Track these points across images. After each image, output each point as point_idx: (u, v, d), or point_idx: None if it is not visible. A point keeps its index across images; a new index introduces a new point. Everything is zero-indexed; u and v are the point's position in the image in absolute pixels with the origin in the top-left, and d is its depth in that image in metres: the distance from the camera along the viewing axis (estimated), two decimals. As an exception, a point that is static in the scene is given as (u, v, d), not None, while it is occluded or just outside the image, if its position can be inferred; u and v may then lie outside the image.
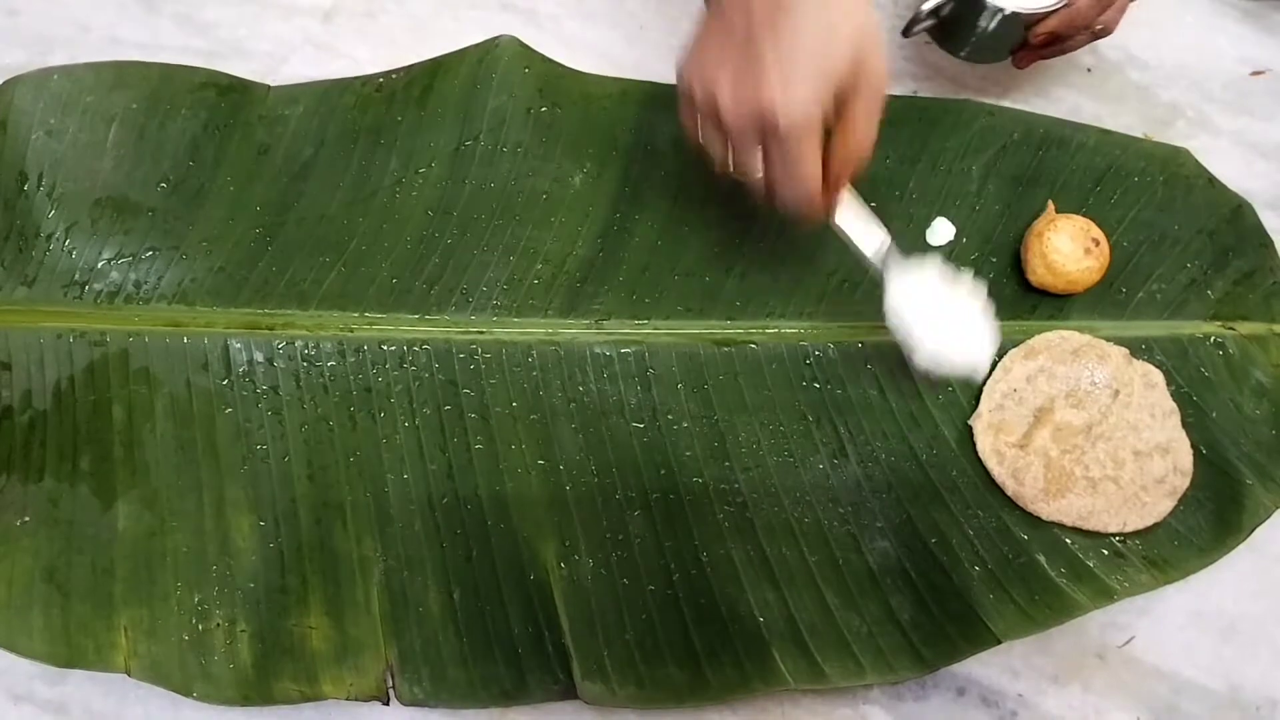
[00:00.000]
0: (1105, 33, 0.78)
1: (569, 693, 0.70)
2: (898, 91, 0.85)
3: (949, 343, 0.71)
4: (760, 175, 0.64)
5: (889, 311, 0.71)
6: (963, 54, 0.82)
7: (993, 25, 0.78)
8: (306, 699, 0.70)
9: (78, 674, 0.71)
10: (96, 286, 0.77)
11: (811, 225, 0.67)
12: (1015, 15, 0.75)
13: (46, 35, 0.86)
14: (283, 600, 0.71)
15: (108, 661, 0.69)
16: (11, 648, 0.70)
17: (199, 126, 0.80)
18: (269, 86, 0.82)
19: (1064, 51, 0.79)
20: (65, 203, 0.78)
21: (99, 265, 0.77)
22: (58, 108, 0.79)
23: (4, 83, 0.79)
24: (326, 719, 0.71)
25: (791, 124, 0.59)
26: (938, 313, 0.71)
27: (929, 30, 0.82)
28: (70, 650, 0.69)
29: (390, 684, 0.70)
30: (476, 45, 0.82)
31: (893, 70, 0.87)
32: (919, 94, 0.85)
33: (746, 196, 0.68)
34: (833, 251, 0.79)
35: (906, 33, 0.80)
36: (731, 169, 0.65)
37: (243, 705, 0.70)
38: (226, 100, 0.81)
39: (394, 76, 0.82)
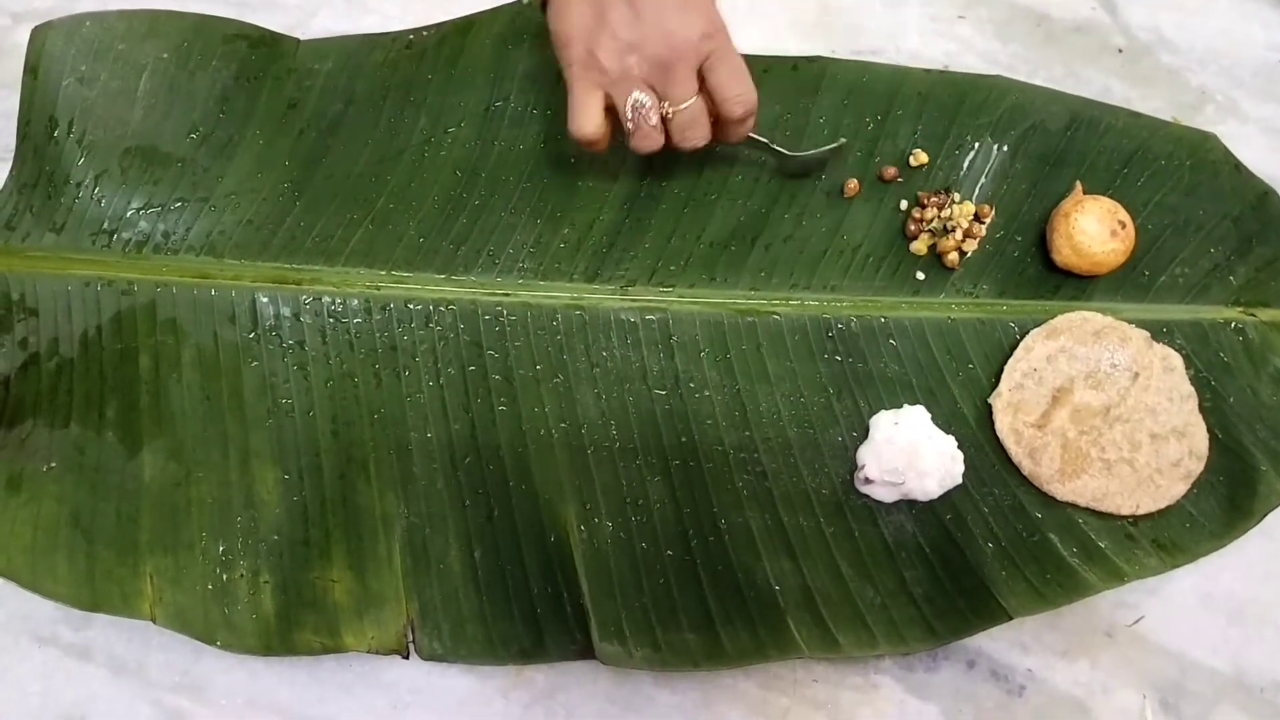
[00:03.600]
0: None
1: (586, 653, 0.70)
2: (927, 66, 0.84)
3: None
4: (691, 100, 0.70)
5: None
6: None
7: None
8: (327, 650, 0.70)
9: (101, 620, 0.72)
10: (125, 235, 0.77)
11: (744, 129, 0.74)
12: None
13: (76, -20, 0.86)
14: (305, 553, 0.72)
15: (133, 608, 0.70)
16: (35, 588, 0.71)
17: (230, 78, 0.80)
18: (299, 41, 0.82)
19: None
20: (95, 150, 0.78)
21: (128, 214, 0.78)
22: (89, 55, 0.79)
23: (35, 28, 0.78)
24: (347, 670, 0.72)
25: (721, 29, 0.70)
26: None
27: None
28: (95, 595, 0.70)
29: (410, 638, 0.71)
30: (509, 5, 0.82)
31: (926, 44, 0.87)
32: (950, 69, 0.84)
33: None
34: (858, 227, 0.80)
35: None
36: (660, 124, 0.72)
37: (264, 655, 0.71)
38: (257, 53, 0.81)
39: (425, 34, 0.82)
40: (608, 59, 0.69)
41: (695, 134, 0.72)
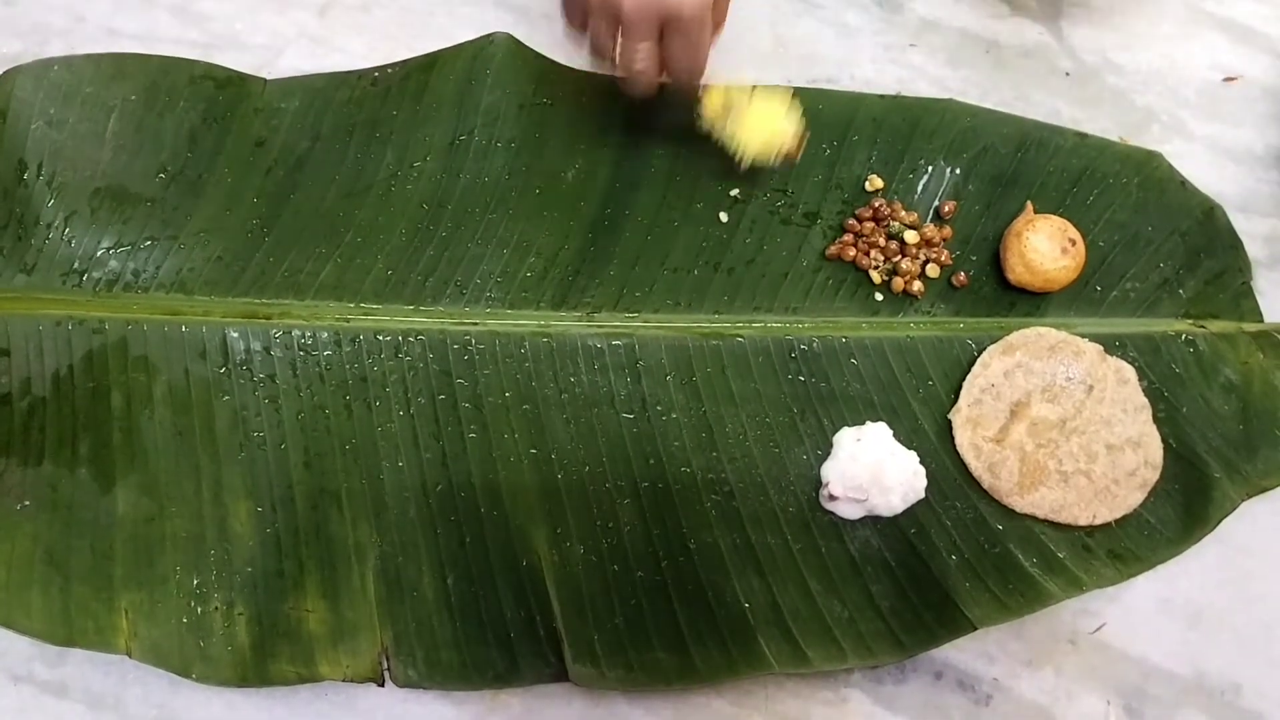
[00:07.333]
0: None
1: (560, 675, 0.71)
2: (880, 91, 0.86)
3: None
4: (644, 64, 0.73)
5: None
6: None
7: None
8: (303, 680, 0.71)
9: (76, 655, 0.72)
10: (95, 275, 0.78)
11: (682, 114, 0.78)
12: None
13: (43, 24, 0.87)
14: (280, 584, 0.73)
15: (109, 643, 0.70)
16: (10, 625, 0.71)
17: (197, 118, 0.81)
18: (265, 80, 0.83)
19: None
20: (64, 192, 0.79)
21: (98, 254, 0.79)
22: (58, 98, 0.80)
23: (4, 72, 0.80)
24: (323, 700, 0.73)
25: (695, 10, 0.70)
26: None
27: None
28: (70, 630, 0.71)
29: (385, 666, 0.71)
30: (471, 42, 0.84)
31: (879, 72, 0.90)
32: (903, 94, 0.87)
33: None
34: (817, 251, 0.82)
35: None
36: (615, 58, 0.75)
37: (240, 686, 0.71)
38: (224, 93, 0.82)
39: (389, 71, 0.83)
40: None
41: (639, 80, 0.75)
